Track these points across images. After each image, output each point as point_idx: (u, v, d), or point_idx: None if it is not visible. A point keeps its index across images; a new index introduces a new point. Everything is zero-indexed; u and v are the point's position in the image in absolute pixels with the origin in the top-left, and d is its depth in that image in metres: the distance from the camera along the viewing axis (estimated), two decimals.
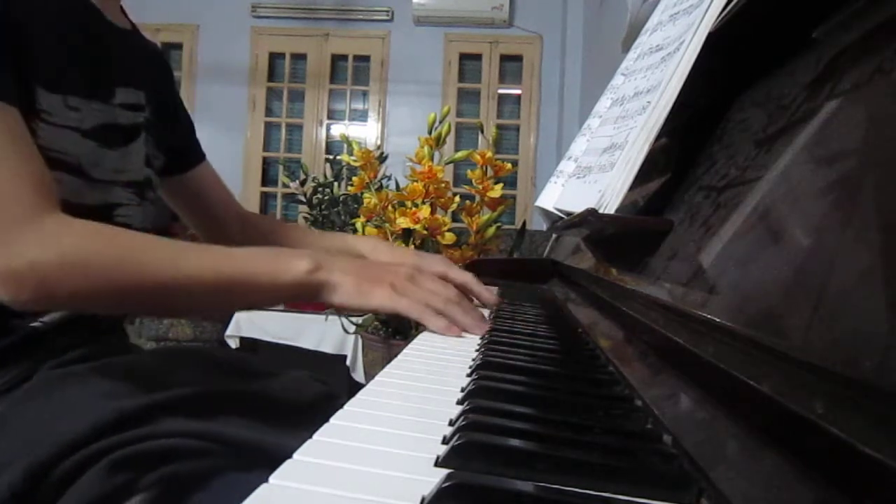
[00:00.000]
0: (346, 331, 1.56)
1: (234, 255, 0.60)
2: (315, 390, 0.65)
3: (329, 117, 4.31)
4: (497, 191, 1.33)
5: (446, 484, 0.23)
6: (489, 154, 1.34)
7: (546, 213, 0.84)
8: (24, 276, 0.51)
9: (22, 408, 0.54)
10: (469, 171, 1.36)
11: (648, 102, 0.48)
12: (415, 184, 1.27)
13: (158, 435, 0.47)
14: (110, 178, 0.70)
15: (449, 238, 1.25)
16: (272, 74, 4.33)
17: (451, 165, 1.68)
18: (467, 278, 0.70)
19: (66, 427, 0.47)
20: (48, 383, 0.56)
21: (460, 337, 0.60)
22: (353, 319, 1.58)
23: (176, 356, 0.63)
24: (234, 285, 0.59)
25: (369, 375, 1.50)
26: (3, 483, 0.44)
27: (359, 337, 1.76)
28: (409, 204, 1.27)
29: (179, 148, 0.86)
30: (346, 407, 0.34)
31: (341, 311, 0.66)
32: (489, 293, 0.70)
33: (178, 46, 4.24)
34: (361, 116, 4.31)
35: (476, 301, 0.72)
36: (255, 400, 0.57)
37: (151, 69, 0.80)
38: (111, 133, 0.70)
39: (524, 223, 1.73)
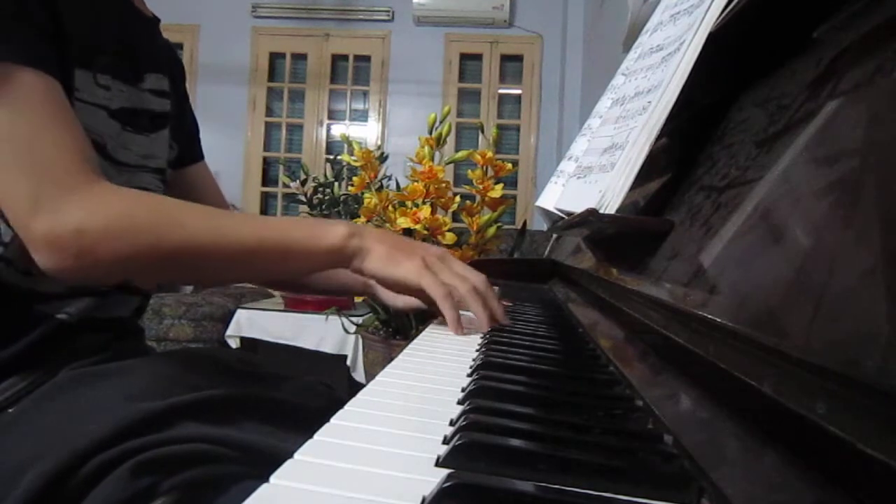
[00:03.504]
0: (346, 331, 1.56)
1: (272, 222, 0.62)
2: (326, 396, 0.65)
3: (329, 117, 4.31)
4: (497, 191, 1.33)
5: (447, 484, 0.23)
6: (489, 154, 1.34)
7: (546, 213, 0.84)
8: (69, 242, 0.51)
9: (44, 407, 0.54)
10: (469, 171, 1.36)
11: (649, 102, 0.48)
12: (415, 184, 1.27)
13: (179, 439, 0.47)
14: (139, 164, 0.71)
15: (449, 238, 1.25)
16: (272, 74, 4.33)
17: (452, 165, 1.68)
18: (479, 280, 0.65)
19: (88, 428, 0.47)
20: (70, 382, 0.56)
21: (464, 335, 0.60)
22: (354, 319, 1.58)
23: (192, 359, 0.63)
24: (274, 250, 0.60)
25: (370, 375, 1.50)
26: (25, 484, 0.44)
27: (359, 337, 1.76)
28: (409, 204, 1.27)
29: (186, 142, 0.87)
30: (346, 407, 0.34)
31: (369, 280, 0.66)
32: (498, 302, 0.66)
33: (179, 46, 4.23)
34: (362, 116, 4.31)
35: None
36: (270, 405, 0.57)
37: (171, 60, 0.82)
38: (140, 118, 0.71)
39: (524, 223, 1.73)
